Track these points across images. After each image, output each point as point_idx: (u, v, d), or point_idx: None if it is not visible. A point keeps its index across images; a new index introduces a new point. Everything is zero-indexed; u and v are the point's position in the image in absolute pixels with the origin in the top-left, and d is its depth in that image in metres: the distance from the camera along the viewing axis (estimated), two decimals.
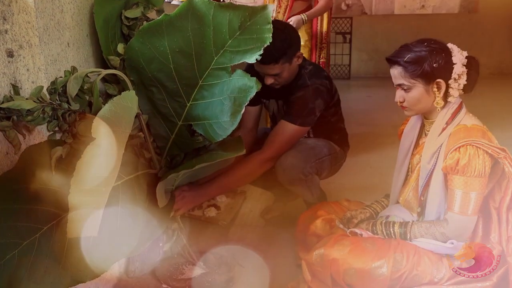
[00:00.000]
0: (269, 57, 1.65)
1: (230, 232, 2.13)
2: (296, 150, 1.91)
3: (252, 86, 1.31)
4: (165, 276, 1.66)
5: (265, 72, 1.81)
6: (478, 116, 1.46)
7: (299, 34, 2.56)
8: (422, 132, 1.59)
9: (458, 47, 1.42)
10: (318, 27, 3.00)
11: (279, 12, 2.81)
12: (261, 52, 1.30)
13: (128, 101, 1.13)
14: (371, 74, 6.72)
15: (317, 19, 2.97)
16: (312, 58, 3.02)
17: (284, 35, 1.76)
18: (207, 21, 1.29)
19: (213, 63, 1.35)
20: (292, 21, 2.76)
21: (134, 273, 1.68)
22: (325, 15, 2.99)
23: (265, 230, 2.15)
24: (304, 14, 2.77)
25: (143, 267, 1.70)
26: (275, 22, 1.59)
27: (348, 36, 6.53)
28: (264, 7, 1.30)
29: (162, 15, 1.28)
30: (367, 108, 4.84)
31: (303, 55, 1.94)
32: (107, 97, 1.45)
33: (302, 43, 2.82)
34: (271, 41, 1.30)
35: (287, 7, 2.79)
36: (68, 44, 1.35)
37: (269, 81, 1.83)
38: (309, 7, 2.89)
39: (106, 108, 1.04)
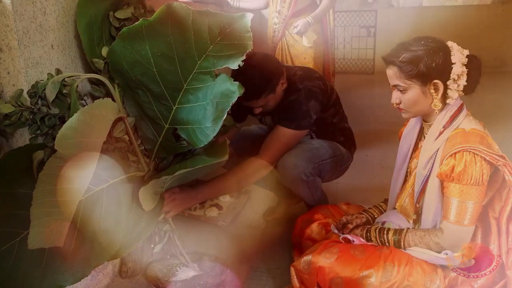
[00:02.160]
0: (251, 94, 1.67)
1: (229, 233, 2.09)
2: (299, 150, 1.87)
3: (235, 91, 1.28)
4: (155, 278, 1.65)
5: (251, 106, 1.82)
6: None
7: (305, 36, 2.49)
8: (421, 135, 1.51)
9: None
10: (328, 24, 2.91)
11: (283, 7, 2.74)
12: (244, 57, 1.28)
13: (102, 110, 1.11)
14: None
15: (325, 16, 2.87)
16: (326, 56, 2.92)
17: (262, 71, 1.73)
18: (187, 25, 1.26)
19: (196, 67, 1.33)
20: (299, 25, 2.69)
21: (126, 273, 1.69)
22: (331, 11, 2.89)
23: (264, 231, 2.11)
24: (309, 16, 2.70)
25: (136, 268, 1.70)
26: (252, 57, 1.59)
27: (372, 30, 6.33)
28: (242, 16, 1.27)
29: (140, 20, 1.26)
30: (389, 104, 4.68)
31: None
32: (94, 99, 1.44)
33: (310, 44, 2.75)
34: (252, 48, 1.28)
35: (291, 2, 2.72)
36: (52, 46, 1.35)
37: (258, 110, 1.85)
38: (314, 2, 2.80)
39: (74, 118, 1.02)
